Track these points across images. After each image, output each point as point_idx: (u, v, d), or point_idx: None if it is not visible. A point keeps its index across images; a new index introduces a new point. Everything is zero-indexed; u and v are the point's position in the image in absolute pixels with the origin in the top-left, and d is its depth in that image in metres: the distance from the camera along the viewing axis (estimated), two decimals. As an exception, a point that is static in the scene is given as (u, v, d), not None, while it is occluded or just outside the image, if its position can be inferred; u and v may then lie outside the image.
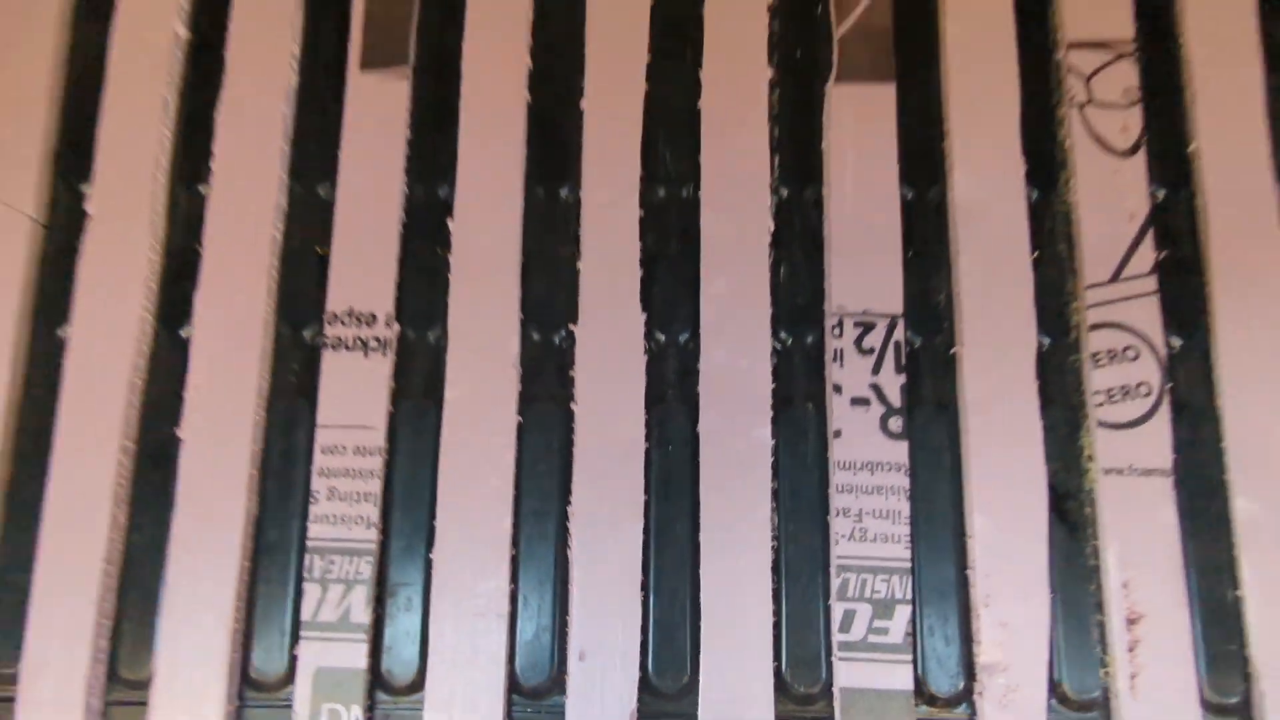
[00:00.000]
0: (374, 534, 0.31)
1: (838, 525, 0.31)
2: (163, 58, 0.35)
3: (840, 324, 0.32)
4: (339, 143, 0.34)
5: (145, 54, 0.35)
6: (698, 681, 0.30)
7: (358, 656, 0.30)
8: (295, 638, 0.30)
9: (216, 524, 0.31)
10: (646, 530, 0.31)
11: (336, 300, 0.33)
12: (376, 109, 0.35)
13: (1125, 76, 0.34)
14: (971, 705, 0.30)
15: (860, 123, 0.34)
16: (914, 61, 0.34)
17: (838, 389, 0.32)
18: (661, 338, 0.33)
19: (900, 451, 0.31)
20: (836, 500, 0.31)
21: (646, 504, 0.31)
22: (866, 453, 0.31)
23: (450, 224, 0.34)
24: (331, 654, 0.30)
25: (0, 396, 0.32)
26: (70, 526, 0.31)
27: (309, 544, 0.31)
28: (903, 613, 0.30)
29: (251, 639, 0.31)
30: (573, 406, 0.32)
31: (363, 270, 0.33)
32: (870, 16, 0.35)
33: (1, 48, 0.35)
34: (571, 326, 0.33)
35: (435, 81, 0.35)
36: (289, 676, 0.30)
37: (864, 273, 0.33)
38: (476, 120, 0.34)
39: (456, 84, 0.35)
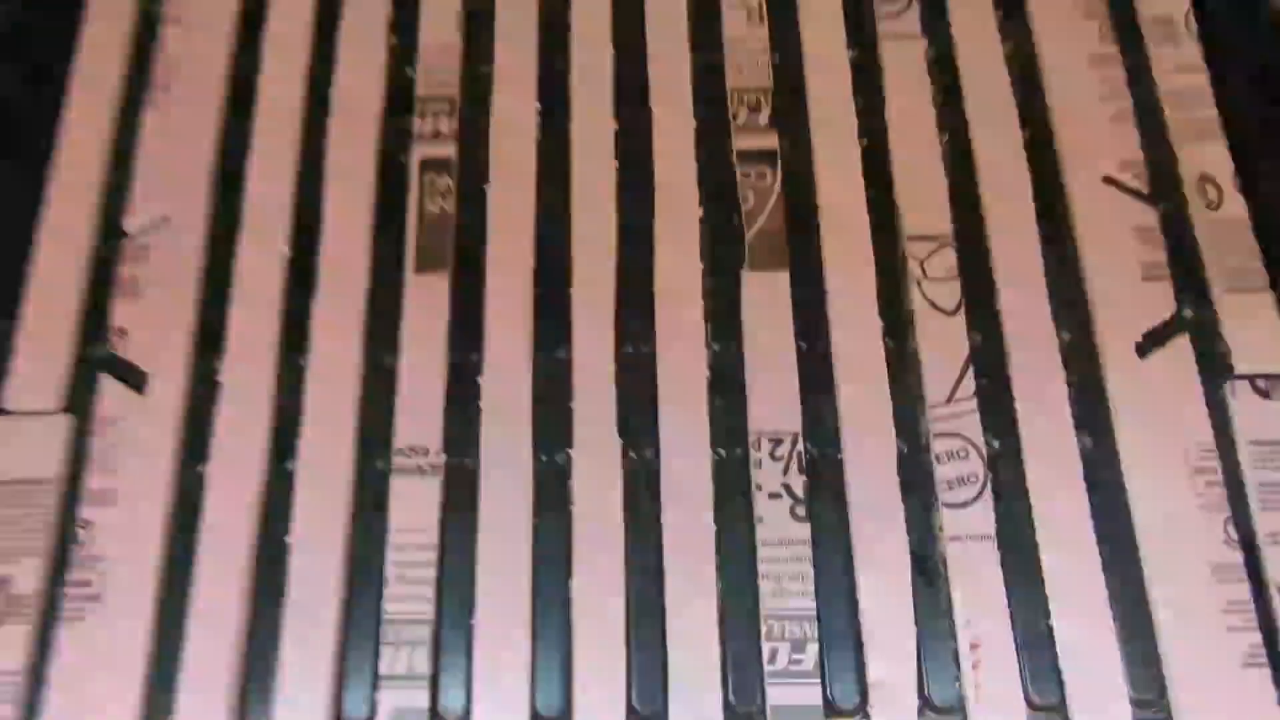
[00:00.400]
0: (431, 608, 0.41)
1: (764, 586, 0.41)
2: (272, 270, 0.48)
3: (759, 440, 0.44)
4: (400, 326, 0.47)
5: (260, 267, 0.48)
6: (668, 708, 0.39)
7: (422, 699, 0.40)
8: (376, 686, 0.40)
9: (317, 606, 0.41)
10: (627, 598, 0.41)
11: (401, 439, 0.44)
12: (427, 300, 0.47)
13: (948, 259, 0.47)
14: (866, 715, 0.39)
15: (766, 298, 0.46)
16: (801, 254, 0.47)
17: (759, 487, 0.43)
18: (634, 455, 0.44)
19: (805, 531, 0.42)
20: (762, 568, 0.41)
21: (626, 577, 0.41)
22: (781, 533, 0.42)
23: (481, 380, 0.45)
24: (403, 698, 0.40)
25: (158, 517, 0.43)
26: (210, 612, 0.41)
27: (385, 617, 0.41)
28: (813, 648, 0.40)
29: (344, 689, 0.40)
30: (571, 509, 0.43)
31: (419, 416, 0.45)
32: (769, 224, 0.48)
33: (161, 268, 0.48)
34: (569, 450, 0.44)
35: (468, 278, 0.47)
36: (371, 716, 0.40)
37: (774, 403, 0.44)
38: (497, 305, 0.47)
39: (482, 278, 0.48)
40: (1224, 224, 0.47)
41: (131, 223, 0.49)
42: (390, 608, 0.41)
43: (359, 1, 0.54)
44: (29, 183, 0.49)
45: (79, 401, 0.45)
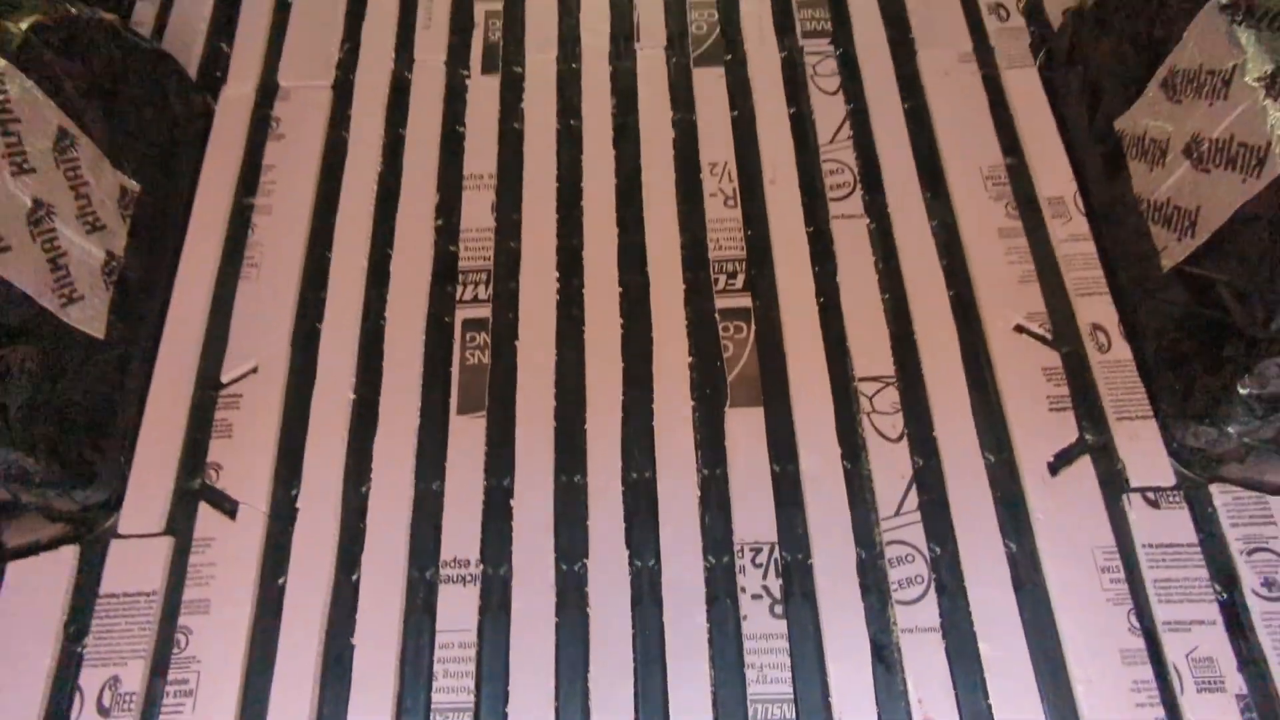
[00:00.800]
0: (472, 698, 0.49)
1: (749, 674, 0.49)
2: (341, 413, 0.58)
3: (742, 549, 0.52)
4: (445, 457, 0.56)
5: (331, 410, 0.58)
6: (672, 781, 0.47)
7: (464, 777, 0.47)
8: (425, 767, 0.47)
9: (375, 698, 0.49)
10: (635, 685, 0.49)
11: (446, 552, 0.53)
12: (467, 438, 0.57)
13: (891, 396, 0.57)
14: (838, 785, 0.46)
15: (745, 429, 0.56)
16: (773, 394, 0.57)
17: (743, 589, 0.51)
18: (638, 563, 0.52)
19: (783, 626, 0.50)
20: (747, 658, 0.49)
21: (634, 668, 0.49)
22: (762, 628, 0.50)
23: (512, 502, 0.54)
24: (448, 777, 0.47)
25: (244, 623, 0.51)
26: (286, 704, 0.48)
27: (432, 706, 0.48)
28: (791, 727, 0.48)
29: (398, 770, 0.47)
30: (588, 610, 0.51)
31: (461, 532, 0.53)
32: (746, 369, 0.58)
33: (249, 413, 0.58)
34: (586, 560, 0.52)
35: (501, 418, 0.57)
36: (421, 794, 0.47)
37: (754, 516, 0.53)
38: (525, 440, 0.56)
39: (513, 417, 0.57)
40: (1113, 364, 0.57)
41: (226, 375, 0.59)
42: (437, 699, 0.49)
43: (412, 193, 0.66)
44: (144, 344, 0.60)
45: (179, 526, 0.54)
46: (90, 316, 0.54)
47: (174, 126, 0.67)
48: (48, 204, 0.51)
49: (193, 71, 0.72)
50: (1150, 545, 0.51)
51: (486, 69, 0.72)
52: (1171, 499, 0.53)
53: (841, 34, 0.72)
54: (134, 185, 0.60)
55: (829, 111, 0.68)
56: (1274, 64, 0.46)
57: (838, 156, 0.66)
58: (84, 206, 0.54)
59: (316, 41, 0.74)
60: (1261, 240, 0.46)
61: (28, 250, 0.49)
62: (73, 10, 0.56)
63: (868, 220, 0.64)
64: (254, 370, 0.59)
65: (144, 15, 0.76)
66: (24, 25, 0.51)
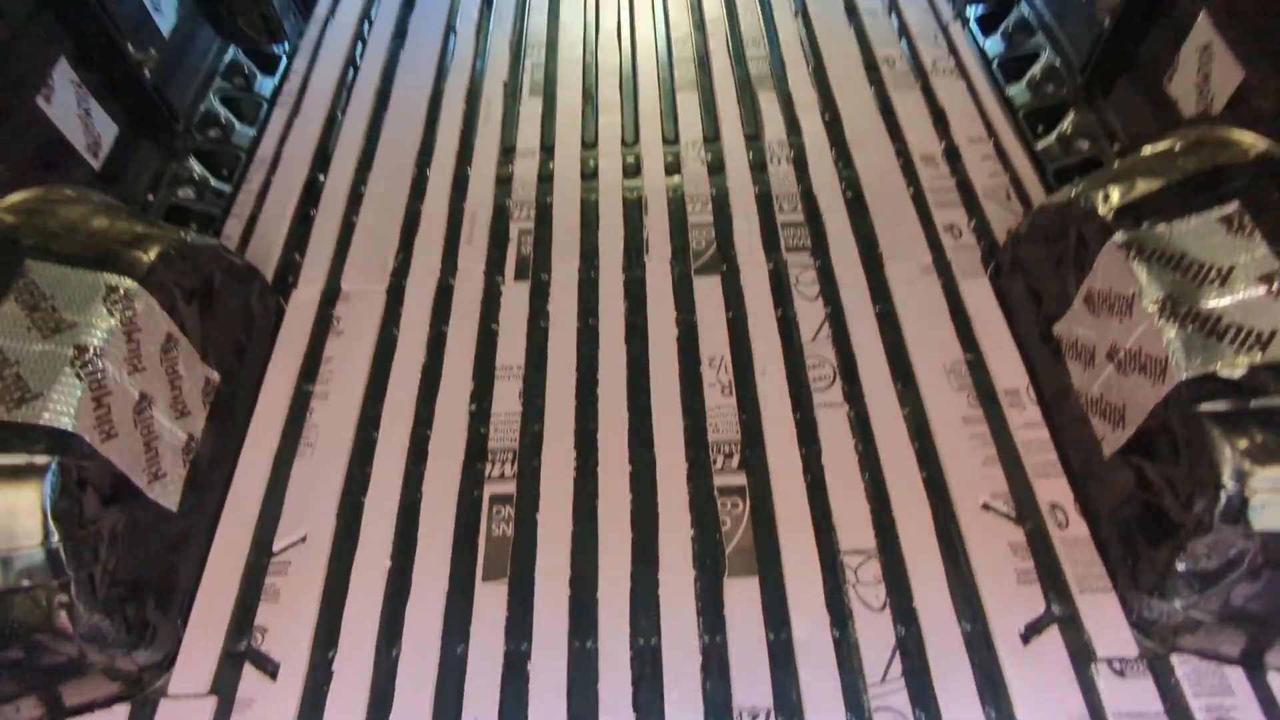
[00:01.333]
0: None
1: (749, 841, 0.51)
2: (378, 580, 0.63)
3: (740, 714, 0.56)
4: (470, 621, 0.61)
5: (368, 579, 0.64)
6: None
7: None
8: None
9: None
10: None
11: (467, 714, 0.56)
12: (491, 602, 0.62)
13: (874, 567, 0.62)
14: None
15: (742, 598, 0.61)
16: (767, 565, 0.63)
17: (742, 756, 0.55)
18: (645, 729, 0.56)
19: (780, 792, 0.53)
20: (747, 824, 0.52)
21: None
22: (761, 794, 0.53)
23: (529, 666, 0.58)
24: None
25: (276, 784, 0.54)
26: None
27: None
28: None
29: None
30: (598, 775, 0.54)
31: (481, 695, 0.57)
32: (742, 541, 0.64)
33: (296, 579, 0.64)
34: (595, 724, 0.56)
35: (522, 586, 0.63)
36: None
37: (751, 682, 0.57)
38: (543, 606, 0.61)
39: (532, 585, 0.63)
40: (1072, 540, 0.63)
41: (278, 543, 0.65)
42: None
43: (450, 382, 0.75)
44: (208, 513, 0.67)
45: (224, 686, 0.58)
46: (169, 492, 0.62)
47: (251, 323, 0.78)
48: (150, 396, 0.60)
49: (269, 276, 0.84)
50: (1120, 714, 0.55)
51: (519, 276, 0.84)
52: (1136, 669, 0.57)
53: (820, 249, 0.84)
54: (216, 376, 0.70)
55: (810, 314, 0.79)
56: (1164, 292, 0.56)
57: (819, 353, 0.76)
58: (176, 396, 0.64)
59: (375, 252, 0.86)
60: (1175, 436, 0.54)
61: (130, 436, 0.58)
62: (188, 238, 0.69)
63: (847, 408, 0.72)
64: (302, 539, 0.66)
65: (233, 230, 0.89)
66: (152, 255, 0.63)
